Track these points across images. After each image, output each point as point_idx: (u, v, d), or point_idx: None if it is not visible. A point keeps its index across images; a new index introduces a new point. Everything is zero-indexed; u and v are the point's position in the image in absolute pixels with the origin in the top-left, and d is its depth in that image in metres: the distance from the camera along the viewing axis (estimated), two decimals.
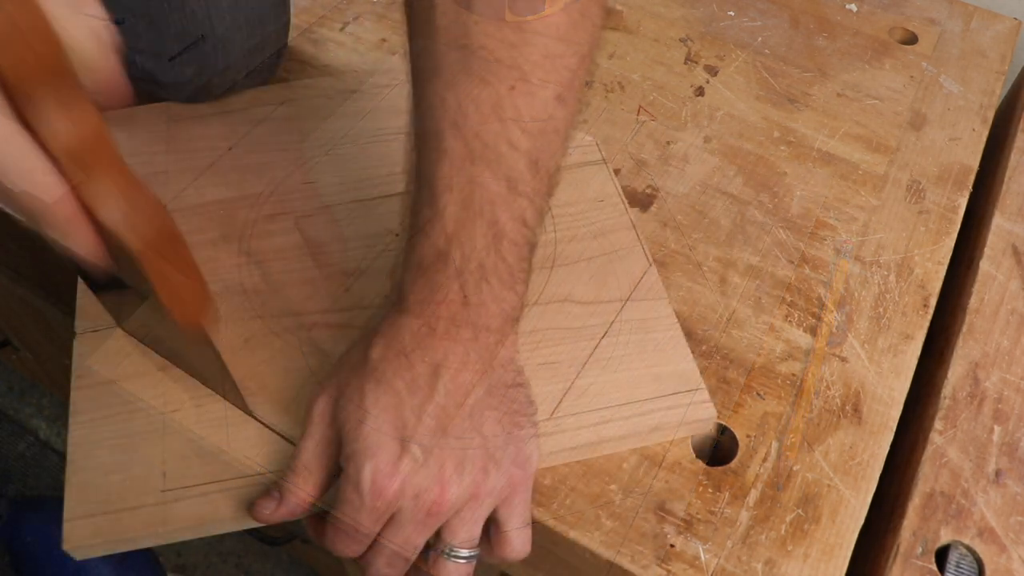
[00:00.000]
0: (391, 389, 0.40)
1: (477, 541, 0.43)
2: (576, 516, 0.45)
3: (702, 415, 0.47)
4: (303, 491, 0.43)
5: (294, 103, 0.62)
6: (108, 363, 0.48)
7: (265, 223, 0.55)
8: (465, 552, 0.42)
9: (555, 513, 0.46)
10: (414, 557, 0.42)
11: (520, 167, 0.39)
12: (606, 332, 0.50)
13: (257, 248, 0.54)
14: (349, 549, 0.42)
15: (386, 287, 0.52)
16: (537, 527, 0.46)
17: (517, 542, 0.43)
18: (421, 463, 0.40)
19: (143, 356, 0.49)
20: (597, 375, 0.49)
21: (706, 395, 0.48)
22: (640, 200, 0.59)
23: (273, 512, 0.43)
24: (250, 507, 0.43)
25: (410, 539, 0.41)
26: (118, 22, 0.57)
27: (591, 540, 0.45)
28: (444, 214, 0.40)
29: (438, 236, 0.40)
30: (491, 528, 0.44)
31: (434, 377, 0.40)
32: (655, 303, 0.52)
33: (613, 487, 0.46)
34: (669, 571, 0.44)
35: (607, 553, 0.44)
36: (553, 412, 0.47)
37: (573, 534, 0.45)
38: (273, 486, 0.44)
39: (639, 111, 0.65)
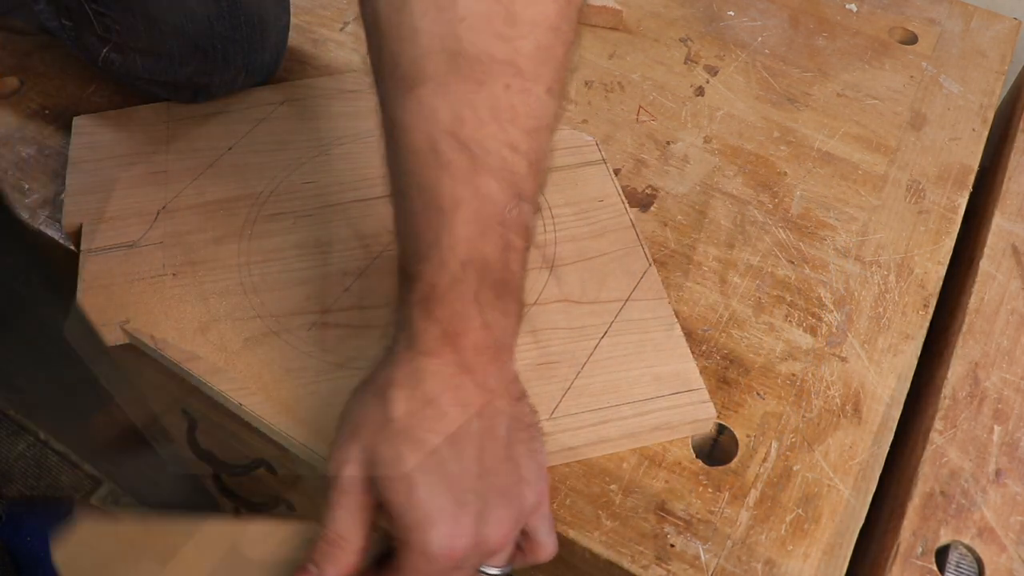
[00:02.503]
0: (429, 447, 0.38)
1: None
2: (576, 516, 0.45)
3: (702, 415, 0.47)
4: (343, 562, 0.39)
5: (294, 103, 0.62)
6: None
7: (265, 223, 0.55)
8: (497, 571, 0.41)
9: (555, 513, 0.45)
10: None
11: (522, 171, 0.37)
12: (606, 332, 0.50)
13: (257, 248, 0.54)
14: None
15: (385, 286, 0.52)
16: None
17: (550, 546, 0.42)
18: (478, 511, 0.37)
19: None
20: (597, 375, 0.49)
21: (706, 395, 0.48)
22: (640, 200, 0.59)
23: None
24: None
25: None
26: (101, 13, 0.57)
27: (591, 540, 0.45)
28: (455, 235, 0.37)
29: (451, 261, 0.37)
30: (520, 539, 0.42)
31: (467, 419, 0.38)
32: (655, 303, 0.52)
33: (613, 487, 0.46)
34: (669, 571, 0.44)
35: (607, 553, 0.44)
36: (553, 412, 0.47)
37: (573, 534, 0.45)
38: (307, 563, 0.40)
39: (639, 111, 0.65)
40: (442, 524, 0.37)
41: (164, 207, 0.55)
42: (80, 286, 0.51)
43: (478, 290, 0.37)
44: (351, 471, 0.39)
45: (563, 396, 0.48)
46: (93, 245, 0.53)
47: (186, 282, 0.52)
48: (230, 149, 0.59)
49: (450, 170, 0.36)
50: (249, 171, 0.58)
